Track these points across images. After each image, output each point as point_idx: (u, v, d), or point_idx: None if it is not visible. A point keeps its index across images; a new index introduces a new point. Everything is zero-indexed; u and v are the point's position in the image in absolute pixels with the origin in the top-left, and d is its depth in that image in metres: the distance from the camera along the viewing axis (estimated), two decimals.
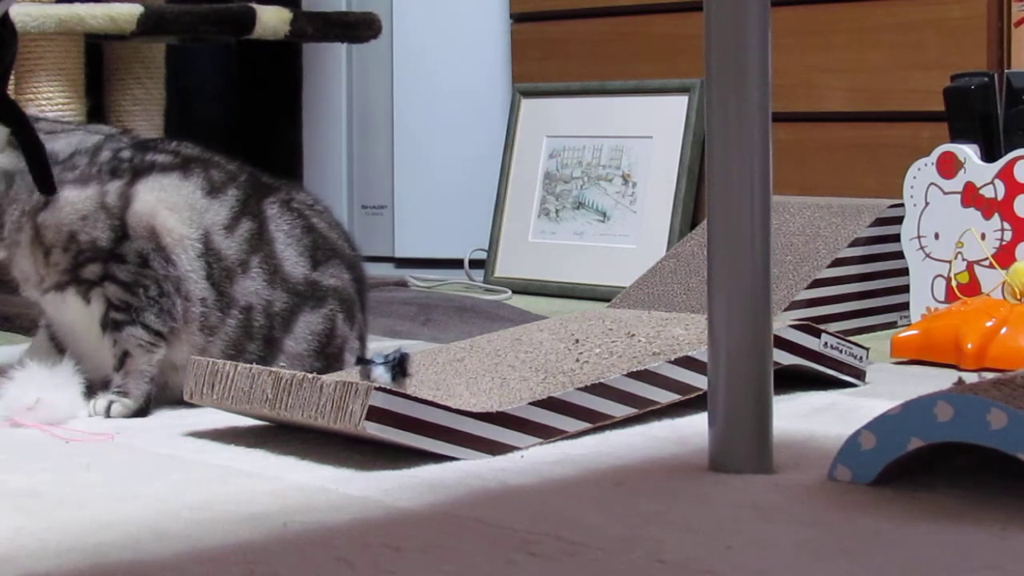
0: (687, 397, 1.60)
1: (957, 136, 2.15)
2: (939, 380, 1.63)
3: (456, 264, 3.01)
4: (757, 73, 1.34)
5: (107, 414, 1.65)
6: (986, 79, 2.13)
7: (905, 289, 2.19)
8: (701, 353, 1.57)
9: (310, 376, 1.43)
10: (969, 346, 1.89)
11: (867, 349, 1.79)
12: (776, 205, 1.95)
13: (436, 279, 2.92)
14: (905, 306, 2.20)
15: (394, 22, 3.09)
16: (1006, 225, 2.07)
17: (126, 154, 1.75)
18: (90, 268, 1.69)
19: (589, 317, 1.81)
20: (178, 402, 1.63)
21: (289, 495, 1.30)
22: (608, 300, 2.35)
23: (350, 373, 1.60)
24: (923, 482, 1.30)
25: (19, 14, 2.27)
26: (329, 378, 1.42)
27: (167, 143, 1.80)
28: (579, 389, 1.52)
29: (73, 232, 1.69)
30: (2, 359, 1.92)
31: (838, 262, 2.17)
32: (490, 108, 3.05)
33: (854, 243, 2.19)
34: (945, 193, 2.13)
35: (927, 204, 2.15)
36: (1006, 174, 2.07)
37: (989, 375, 1.43)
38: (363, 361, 1.52)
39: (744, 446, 1.35)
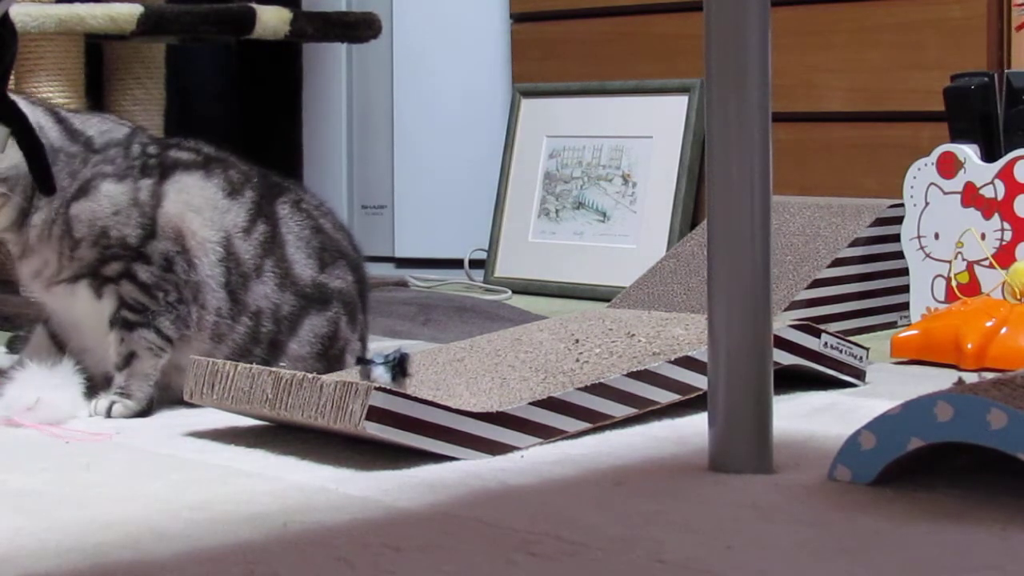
0: (687, 397, 1.60)
1: (957, 136, 2.15)
2: (939, 380, 1.63)
3: (456, 264, 3.01)
4: (757, 73, 1.34)
5: (108, 414, 1.65)
6: (986, 79, 2.13)
7: (905, 289, 2.19)
8: (701, 353, 1.57)
9: (310, 376, 1.43)
10: (969, 346, 1.89)
11: (867, 349, 1.79)
12: (776, 205, 1.95)
13: (436, 279, 2.92)
14: (905, 306, 2.20)
15: (394, 22, 3.09)
16: (1006, 225, 2.07)
17: (152, 150, 1.74)
18: (112, 265, 1.67)
19: (589, 317, 1.81)
20: (178, 402, 1.62)
21: (289, 495, 1.30)
22: (608, 300, 2.35)
23: (350, 373, 1.60)
24: (923, 482, 1.30)
25: (19, 14, 2.27)
26: (329, 378, 1.42)
27: (187, 141, 1.79)
28: (579, 389, 1.52)
29: (106, 227, 1.67)
30: (1, 359, 1.93)
31: (838, 262, 2.17)
32: (490, 108, 3.05)
33: (854, 243, 2.19)
34: (945, 193, 2.13)
35: (927, 204, 2.15)
36: (1006, 174, 2.07)
37: (989, 375, 1.43)
38: (363, 361, 1.52)
39: (744, 446, 1.35)
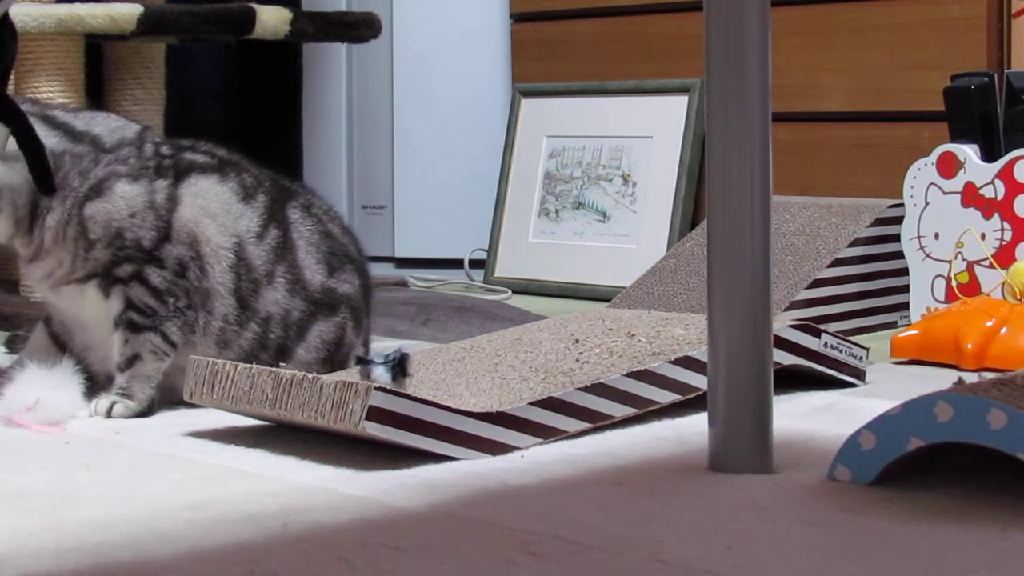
0: (687, 397, 1.60)
1: (957, 136, 2.15)
2: (939, 380, 1.63)
3: (456, 264, 3.01)
4: (757, 73, 1.34)
5: (108, 414, 1.65)
6: (986, 79, 2.13)
7: (905, 289, 2.19)
8: (701, 353, 1.57)
9: (310, 376, 1.43)
10: (969, 346, 1.89)
11: (867, 349, 1.79)
12: (776, 205, 1.95)
13: (436, 279, 2.92)
14: (905, 306, 2.20)
15: (394, 22, 3.09)
16: (1006, 225, 2.07)
17: (166, 150, 1.73)
18: (125, 267, 1.66)
19: (589, 317, 1.81)
20: (179, 402, 1.62)
21: (289, 495, 1.30)
22: (608, 300, 2.35)
23: (350, 373, 1.60)
24: (923, 482, 1.30)
25: (19, 14, 2.27)
26: (329, 378, 1.42)
27: (199, 143, 1.78)
28: (579, 389, 1.52)
29: (121, 229, 1.66)
30: (1, 359, 1.93)
31: (838, 262, 2.17)
32: (490, 108, 3.05)
33: (854, 243, 2.20)
34: (945, 193, 2.13)
35: (927, 204, 2.15)
36: (1006, 174, 2.07)
37: (989, 375, 1.43)
38: (363, 361, 1.52)
39: (744, 446, 1.35)
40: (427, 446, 1.41)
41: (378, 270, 3.09)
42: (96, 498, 1.30)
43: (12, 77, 1.69)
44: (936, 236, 2.14)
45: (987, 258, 2.08)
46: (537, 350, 1.67)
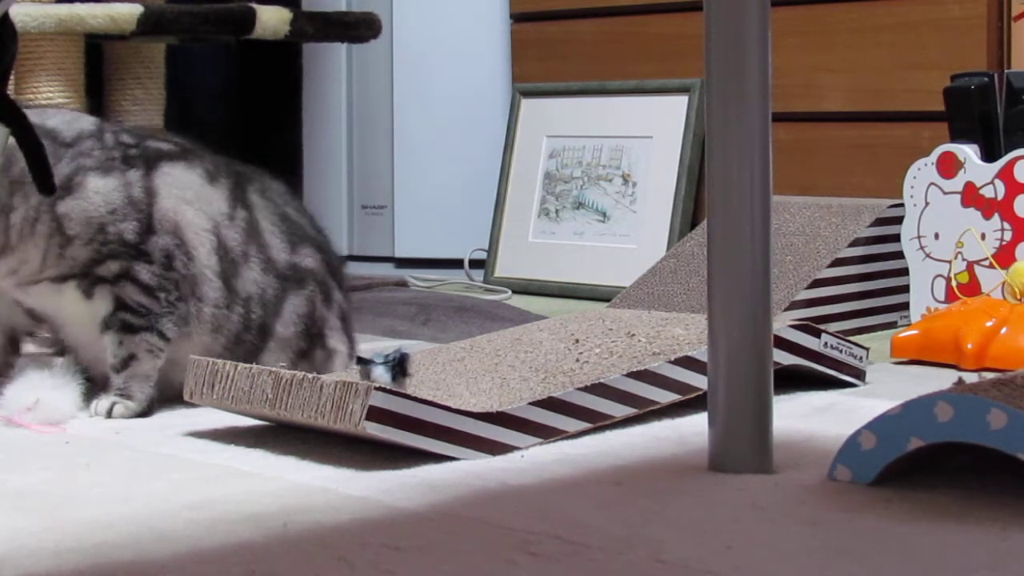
0: (687, 397, 1.60)
1: (957, 136, 2.15)
2: (939, 380, 1.63)
3: (456, 264, 3.01)
4: (757, 73, 1.34)
5: (109, 415, 1.65)
6: (986, 79, 2.13)
7: (905, 289, 2.19)
8: (701, 353, 1.57)
9: (310, 376, 1.43)
10: (969, 346, 1.89)
11: (867, 349, 1.79)
12: (776, 205, 1.95)
13: (436, 279, 2.92)
14: (905, 306, 2.20)
15: (394, 22, 3.09)
16: (1006, 225, 2.07)
17: (127, 139, 1.72)
18: (109, 265, 1.65)
19: (589, 317, 1.81)
20: (177, 399, 1.62)
21: (289, 495, 1.30)
22: (608, 300, 2.35)
23: (350, 373, 1.60)
24: (923, 482, 1.30)
25: (19, 14, 2.27)
26: (329, 378, 1.42)
27: (153, 130, 1.78)
28: (579, 389, 1.52)
29: (103, 224, 1.65)
30: None
31: (838, 262, 2.17)
32: (490, 108, 3.05)
33: (854, 243, 2.20)
34: (945, 193, 2.13)
35: (927, 204, 2.15)
36: (1006, 174, 2.07)
37: (989, 375, 1.43)
38: (363, 361, 1.52)
39: (744, 446, 1.35)
40: (427, 446, 1.41)
41: (378, 270, 3.09)
42: (96, 498, 1.30)
43: (12, 77, 1.68)
44: (936, 236, 2.14)
45: (987, 258, 2.08)
46: (537, 350, 1.67)
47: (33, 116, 1.69)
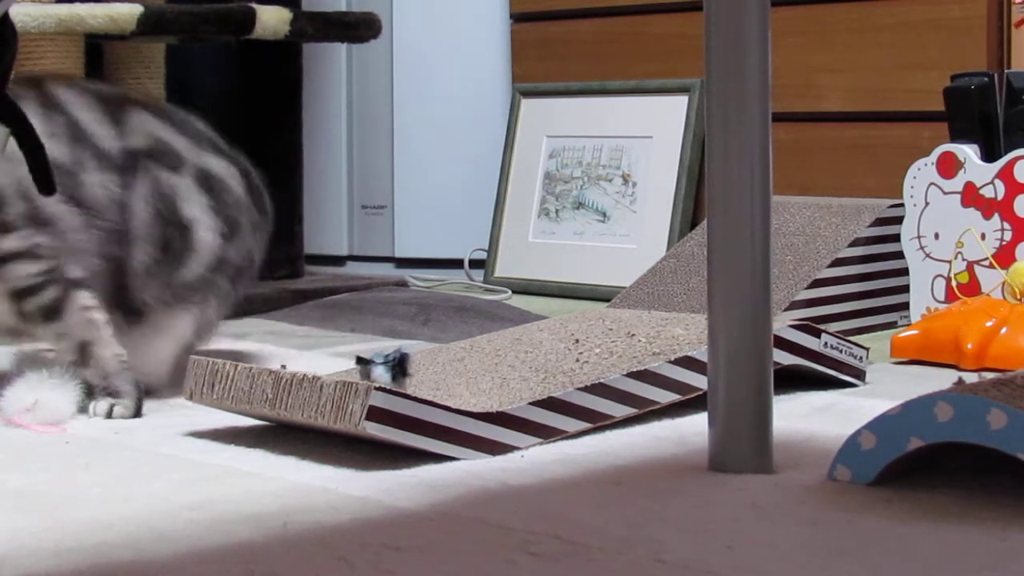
0: (687, 397, 1.60)
1: (957, 136, 2.15)
2: (939, 380, 1.63)
3: (456, 264, 3.01)
4: (757, 73, 1.34)
5: (109, 416, 1.65)
6: (986, 79, 2.13)
7: (905, 289, 2.19)
8: (701, 353, 1.57)
9: (310, 376, 1.43)
10: (969, 346, 1.89)
11: (867, 349, 1.79)
12: (776, 205, 1.95)
13: (436, 279, 2.92)
14: (905, 306, 2.20)
15: (394, 22, 3.09)
16: (1006, 225, 2.07)
17: None
18: None
19: (589, 317, 1.81)
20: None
21: (289, 495, 1.30)
22: (608, 300, 2.35)
23: (350, 373, 1.60)
24: (923, 482, 1.30)
25: (19, 14, 2.27)
26: (329, 378, 1.42)
27: None
28: (579, 389, 1.52)
29: None
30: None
31: (838, 262, 2.17)
32: (490, 108, 3.05)
33: (854, 243, 2.20)
34: (945, 193, 2.13)
35: (927, 204, 2.15)
36: (1006, 174, 2.07)
37: (989, 375, 1.43)
38: (363, 361, 1.52)
39: (744, 446, 1.35)
40: (427, 446, 1.41)
41: (378, 270, 3.09)
42: (96, 498, 1.30)
43: (12, 77, 1.68)
44: (936, 236, 2.14)
45: (987, 258, 2.08)
46: (537, 350, 1.67)
47: None
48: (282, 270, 2.71)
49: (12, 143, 1.61)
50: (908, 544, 1.13)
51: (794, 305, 2.11)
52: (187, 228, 1.72)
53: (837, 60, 2.54)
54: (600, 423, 1.53)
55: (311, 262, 2.96)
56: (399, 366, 1.50)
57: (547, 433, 1.49)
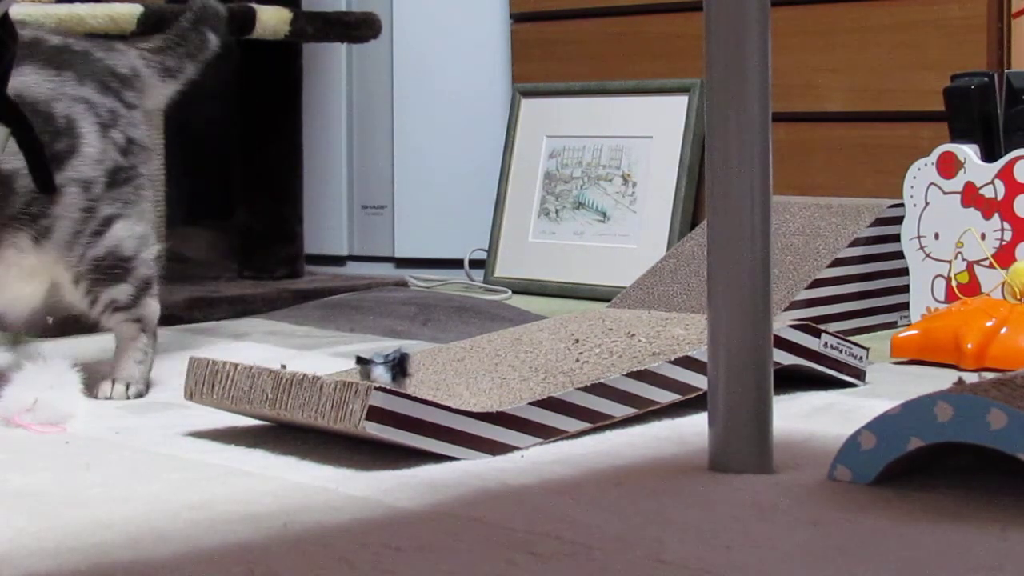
0: (687, 397, 1.60)
1: (957, 136, 2.15)
2: (939, 380, 1.63)
3: (456, 264, 3.01)
4: (757, 73, 1.34)
5: (127, 395, 1.73)
6: (986, 79, 2.13)
7: (905, 289, 2.19)
8: (701, 353, 1.57)
9: (310, 376, 1.43)
10: (969, 346, 1.89)
11: (867, 349, 1.79)
12: (776, 205, 1.95)
13: (436, 279, 2.92)
14: (905, 306, 2.20)
15: (394, 22, 3.09)
16: (1006, 225, 2.07)
17: None
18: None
19: (589, 317, 1.81)
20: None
21: (289, 495, 1.30)
22: (608, 300, 2.35)
23: (350, 373, 1.60)
24: (923, 482, 1.30)
25: (19, 14, 2.27)
26: (329, 378, 1.42)
27: None
28: (579, 389, 1.52)
29: None
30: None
31: (838, 262, 2.17)
32: (490, 108, 3.05)
33: (854, 243, 2.20)
34: (945, 193, 2.13)
35: (927, 204, 2.15)
36: (1006, 174, 2.07)
37: (989, 375, 1.43)
38: (363, 361, 1.52)
39: (744, 446, 1.36)
40: (427, 446, 1.41)
41: (378, 270, 3.09)
42: (96, 498, 1.30)
43: (12, 77, 1.68)
44: (936, 236, 2.14)
45: (987, 258, 2.08)
46: (537, 350, 1.67)
47: None
48: (282, 270, 2.71)
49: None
50: (908, 544, 1.13)
51: (794, 305, 2.11)
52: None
53: (837, 60, 2.54)
54: (600, 423, 1.53)
55: (311, 262, 2.95)
56: (399, 366, 1.50)
57: (547, 433, 1.49)
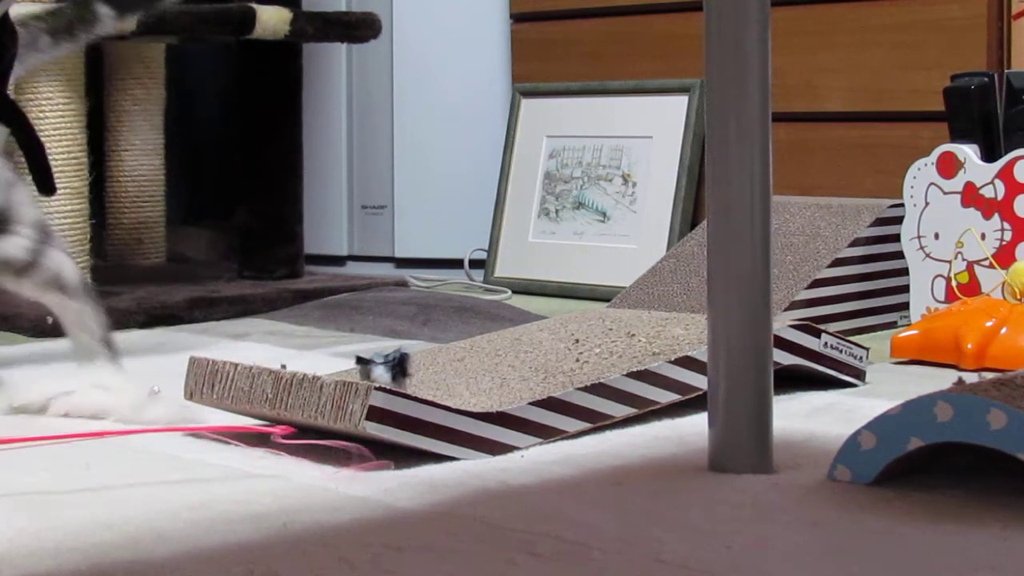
0: (687, 397, 1.60)
1: (957, 136, 2.15)
2: (939, 380, 1.63)
3: (456, 264, 3.01)
4: (757, 73, 1.34)
5: None
6: (986, 79, 2.13)
7: (905, 289, 2.19)
8: (701, 353, 1.57)
9: (310, 376, 1.43)
10: (969, 346, 1.89)
11: (867, 349, 1.79)
12: (776, 205, 1.95)
13: (436, 279, 2.92)
14: (905, 306, 2.20)
15: (394, 22, 3.09)
16: (1006, 225, 2.07)
17: None
18: None
19: (589, 317, 1.81)
20: None
21: (289, 495, 1.30)
22: (608, 300, 2.35)
23: (350, 373, 1.60)
24: (923, 482, 1.30)
25: (19, 14, 2.26)
26: (329, 378, 1.42)
27: None
28: (579, 389, 1.52)
29: None
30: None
31: (838, 262, 2.17)
32: (490, 108, 3.05)
33: (854, 243, 2.20)
34: (945, 193, 2.13)
35: (927, 204, 2.15)
36: (1006, 174, 2.07)
37: (989, 375, 1.43)
38: (363, 361, 1.52)
39: (744, 446, 1.35)
40: (427, 446, 1.41)
41: (378, 270, 3.09)
42: (96, 498, 1.30)
43: (12, 77, 1.68)
44: (936, 236, 2.14)
45: (987, 258, 2.08)
46: (537, 350, 1.67)
47: None
48: (282, 270, 2.71)
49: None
50: (908, 544, 1.13)
51: (794, 305, 2.11)
52: None
53: (837, 60, 2.54)
54: (600, 423, 1.53)
55: (311, 262, 2.95)
56: (399, 366, 1.50)
57: (547, 433, 1.49)
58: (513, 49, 3.01)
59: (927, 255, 2.15)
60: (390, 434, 1.38)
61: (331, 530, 1.19)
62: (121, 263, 2.81)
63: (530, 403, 1.48)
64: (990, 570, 1.07)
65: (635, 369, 1.57)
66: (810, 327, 1.72)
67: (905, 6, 2.46)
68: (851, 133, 2.54)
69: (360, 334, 2.25)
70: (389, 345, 1.79)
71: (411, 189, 3.12)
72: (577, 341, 1.67)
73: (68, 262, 1.69)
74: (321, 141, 3.21)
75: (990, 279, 2.07)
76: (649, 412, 1.58)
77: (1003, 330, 1.90)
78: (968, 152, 2.11)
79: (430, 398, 1.43)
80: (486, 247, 2.93)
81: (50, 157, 1.69)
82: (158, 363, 1.88)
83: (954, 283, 2.11)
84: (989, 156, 2.11)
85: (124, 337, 2.22)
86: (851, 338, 1.78)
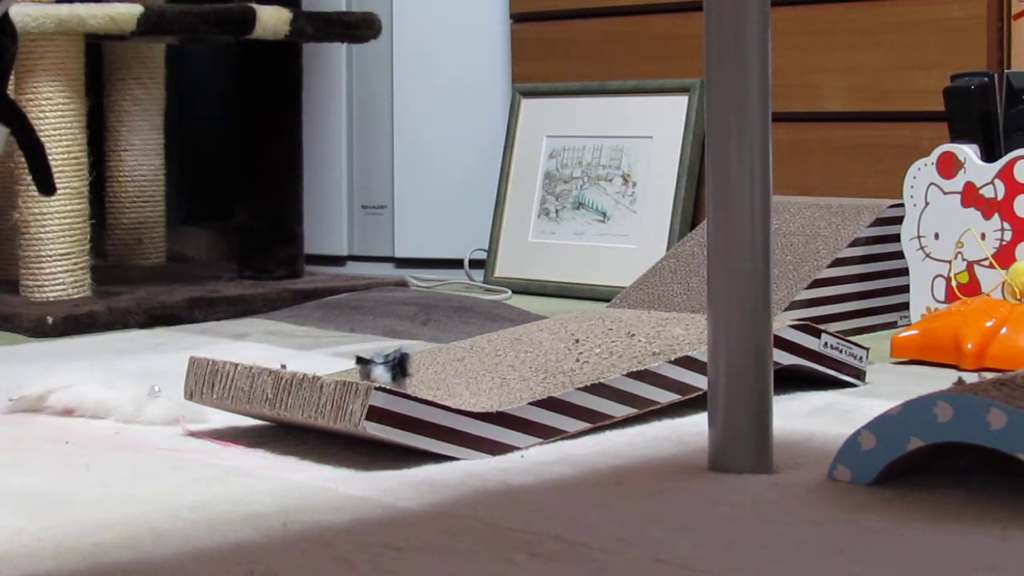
0: (687, 397, 1.60)
1: (957, 136, 2.15)
2: (939, 380, 1.63)
3: (456, 264, 3.01)
4: (757, 73, 1.34)
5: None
6: (986, 79, 2.13)
7: (905, 289, 2.19)
8: (701, 353, 1.57)
9: (310, 376, 1.43)
10: (969, 346, 1.89)
11: (867, 349, 1.79)
12: (776, 205, 1.95)
13: (436, 279, 2.92)
14: (905, 306, 2.20)
15: (394, 22, 3.09)
16: (1006, 225, 2.07)
17: None
18: None
19: (589, 317, 1.81)
20: None
21: (289, 495, 1.30)
22: (608, 300, 2.35)
23: (350, 373, 1.60)
24: (923, 482, 1.30)
25: (19, 14, 2.27)
26: (329, 378, 1.42)
27: None
28: (579, 389, 1.52)
29: None
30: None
31: (838, 262, 2.17)
32: (490, 108, 3.05)
33: (854, 243, 2.20)
34: (945, 193, 2.13)
35: (927, 204, 2.15)
36: (1006, 174, 2.07)
37: (989, 375, 1.43)
38: (363, 361, 1.52)
39: (744, 446, 1.36)
40: (427, 446, 1.41)
41: (378, 270, 3.09)
42: (96, 498, 1.30)
43: (12, 77, 1.68)
44: (936, 236, 2.14)
45: (987, 258, 2.08)
46: (537, 350, 1.67)
47: None
48: (282, 270, 2.71)
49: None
50: (908, 544, 1.13)
51: (794, 305, 2.11)
52: None
53: (837, 60, 2.54)
54: (600, 423, 1.53)
55: (311, 262, 2.96)
56: (399, 366, 1.50)
57: (547, 433, 1.49)
58: (513, 49, 3.01)
59: (927, 255, 2.15)
60: (390, 434, 1.38)
61: (331, 530, 1.19)
62: (121, 263, 2.81)
63: (530, 403, 1.48)
64: (990, 570, 1.07)
65: (635, 369, 1.57)
66: (810, 327, 1.72)
67: (905, 6, 2.46)
68: (851, 133, 2.54)
69: (360, 334, 2.25)
70: (389, 345, 1.79)
71: (411, 189, 3.12)
72: (577, 341, 1.67)
73: None
74: (321, 141, 3.21)
75: (990, 279, 2.07)
76: (649, 412, 1.58)
77: (1003, 330, 1.90)
78: (968, 152, 2.11)
79: (430, 398, 1.43)
80: (486, 247, 2.93)
81: (50, 157, 1.69)
82: (158, 363, 1.88)
83: (954, 283, 2.11)
84: (989, 156, 2.11)
85: (124, 337, 2.23)
86: (851, 338, 1.78)
